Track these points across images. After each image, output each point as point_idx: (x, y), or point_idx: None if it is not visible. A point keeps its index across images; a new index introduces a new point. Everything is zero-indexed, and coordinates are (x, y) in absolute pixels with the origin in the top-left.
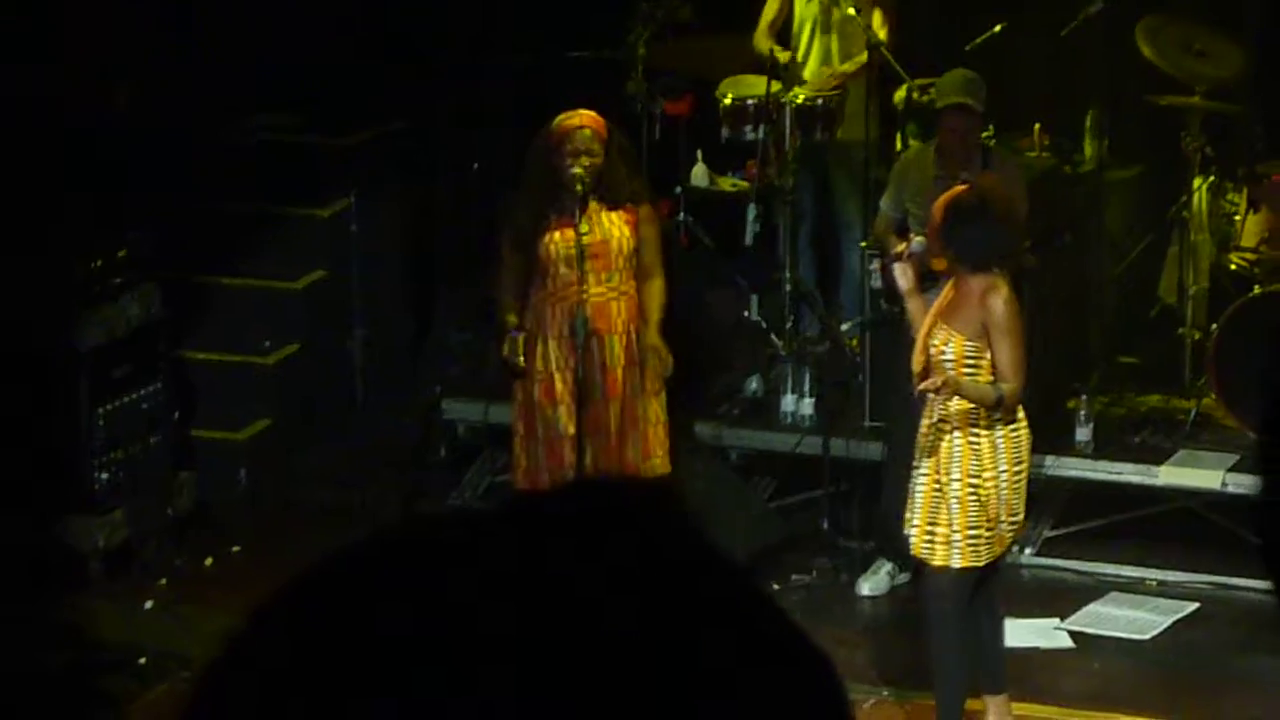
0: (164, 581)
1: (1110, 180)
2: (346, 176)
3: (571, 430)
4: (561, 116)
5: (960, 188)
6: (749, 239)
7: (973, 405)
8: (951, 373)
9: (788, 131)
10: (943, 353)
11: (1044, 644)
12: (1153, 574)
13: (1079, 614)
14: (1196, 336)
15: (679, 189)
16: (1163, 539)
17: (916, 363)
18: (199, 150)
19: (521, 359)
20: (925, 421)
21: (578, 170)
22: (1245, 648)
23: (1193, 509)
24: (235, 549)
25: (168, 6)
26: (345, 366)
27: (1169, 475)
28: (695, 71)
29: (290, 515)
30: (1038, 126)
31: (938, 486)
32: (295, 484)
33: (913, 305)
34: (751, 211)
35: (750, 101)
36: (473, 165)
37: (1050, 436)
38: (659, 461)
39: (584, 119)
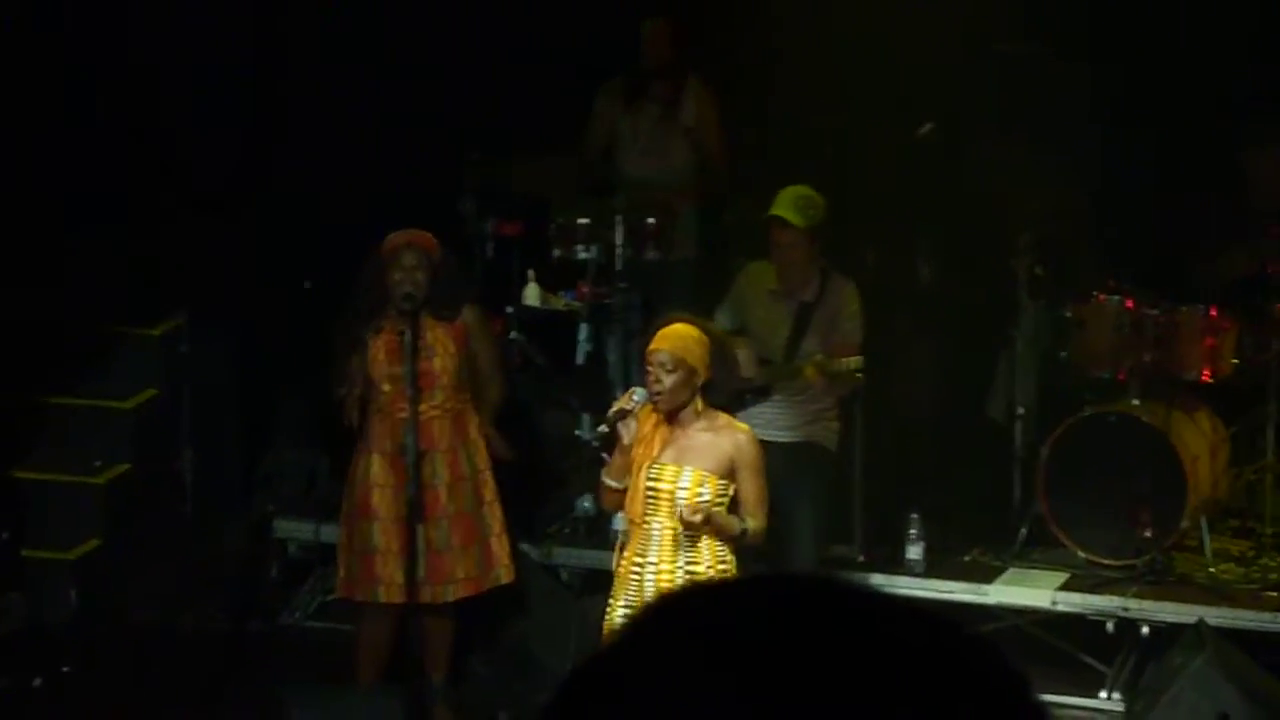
0: None
1: (941, 300)
2: (178, 295)
3: (384, 545)
4: (391, 235)
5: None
6: (580, 358)
7: (720, 545)
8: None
9: (618, 250)
10: (698, 493)
11: None
12: None
13: None
14: (1026, 455)
15: (511, 308)
16: None
17: (636, 506)
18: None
19: (355, 414)
20: (650, 560)
21: (407, 288)
22: None
23: (1023, 627)
24: (65, 669)
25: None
26: (176, 485)
27: (999, 594)
28: (528, 190)
29: (121, 635)
30: (870, 246)
31: None
32: (126, 604)
33: (622, 460)
34: (582, 331)
35: (581, 221)
36: (304, 283)
37: (882, 555)
38: (504, 572)
39: (412, 237)
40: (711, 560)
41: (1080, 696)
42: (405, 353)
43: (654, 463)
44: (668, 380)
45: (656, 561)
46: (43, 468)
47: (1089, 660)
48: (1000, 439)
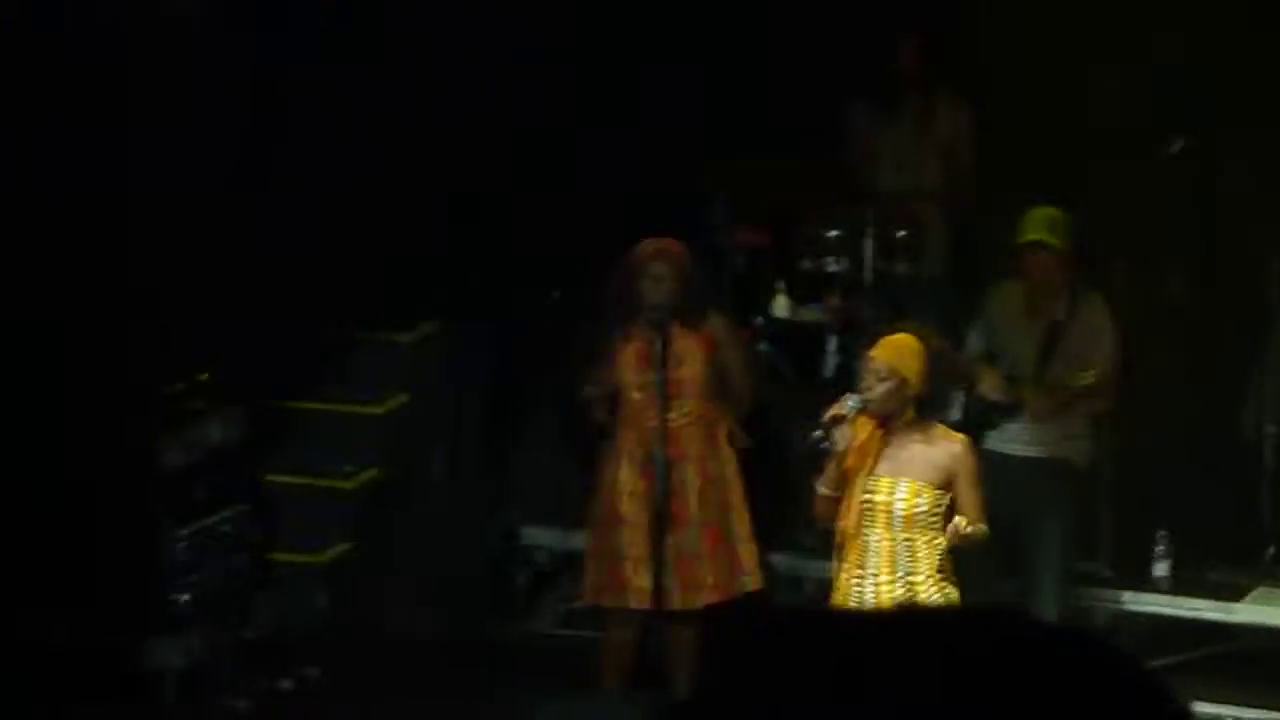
0: (243, 704)
1: (1193, 314)
2: (429, 302)
3: (634, 552)
4: (643, 243)
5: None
6: (829, 371)
7: (938, 554)
8: (961, 522)
9: (868, 263)
10: (915, 504)
11: None
12: (1230, 711)
13: None
14: (1277, 472)
15: (760, 319)
16: (1240, 677)
17: (853, 515)
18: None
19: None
20: (870, 571)
21: (656, 297)
22: None
23: (1271, 647)
24: (313, 672)
25: None
26: (426, 491)
27: (1247, 612)
28: (779, 198)
29: (369, 640)
30: (1123, 260)
31: None
32: (374, 608)
33: (837, 467)
34: (831, 343)
35: (832, 233)
36: (553, 293)
37: (1128, 571)
38: (750, 579)
39: (663, 246)
40: (930, 570)
41: None
42: (655, 361)
43: (869, 475)
44: (879, 388)
45: (876, 573)
46: (294, 472)
47: None
48: (1251, 456)
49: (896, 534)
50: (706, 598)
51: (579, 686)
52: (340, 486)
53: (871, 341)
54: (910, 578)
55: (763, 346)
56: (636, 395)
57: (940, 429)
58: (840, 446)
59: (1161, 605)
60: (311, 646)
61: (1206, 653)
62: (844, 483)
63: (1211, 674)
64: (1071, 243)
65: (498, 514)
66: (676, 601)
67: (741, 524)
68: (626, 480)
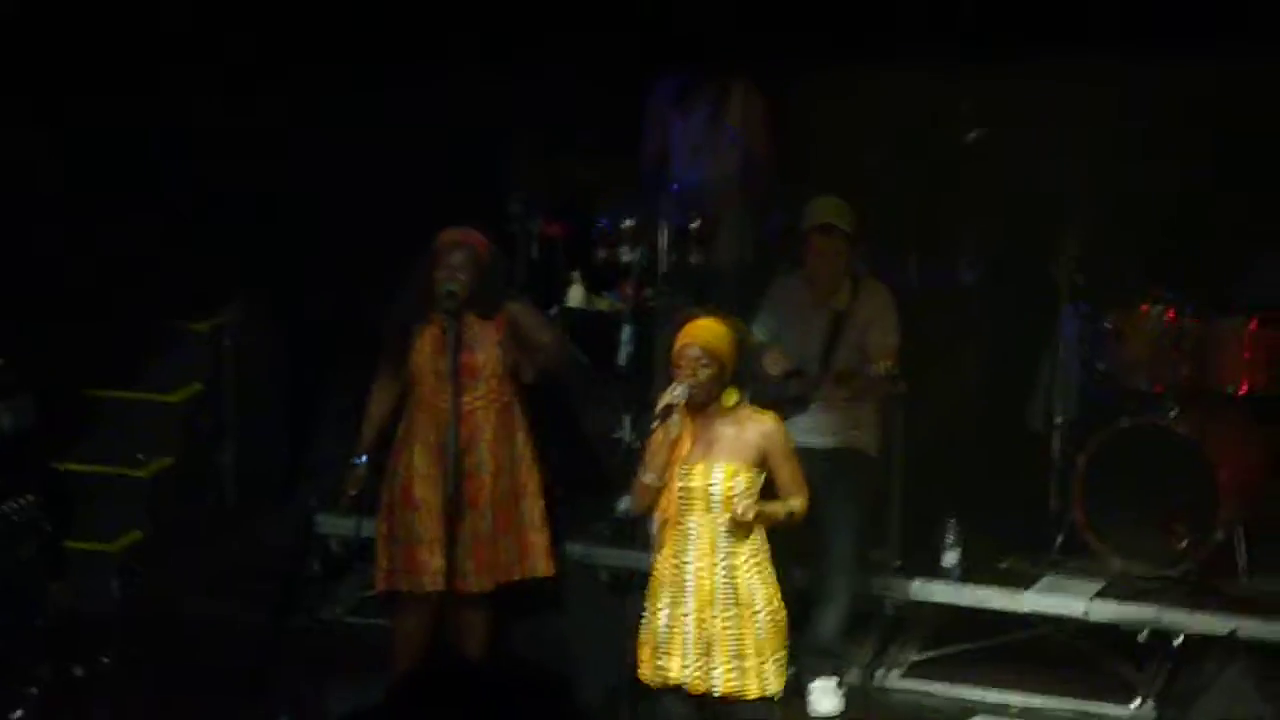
0: (34, 690)
1: (983, 306)
2: (223, 291)
3: (429, 535)
4: (444, 232)
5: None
6: (623, 359)
7: (757, 538)
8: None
9: (663, 253)
10: (730, 487)
11: None
12: (1017, 699)
13: None
14: (1064, 464)
15: (555, 308)
16: (1027, 664)
17: (671, 507)
18: (75, 262)
19: (353, 490)
20: (689, 558)
21: (450, 286)
22: None
23: (1057, 635)
24: (105, 659)
25: None
26: (219, 479)
27: (1034, 601)
28: (575, 191)
29: (161, 626)
30: (913, 251)
31: (729, 619)
32: (167, 596)
33: (666, 456)
34: (626, 332)
35: (627, 223)
36: (352, 280)
37: (917, 560)
38: (541, 564)
39: (463, 236)
40: (749, 554)
41: (1113, 704)
42: (449, 348)
43: (683, 462)
44: (703, 373)
45: (696, 558)
46: (87, 460)
47: (1122, 669)
48: (1039, 447)
49: (715, 518)
50: (495, 578)
51: (373, 674)
52: (133, 475)
53: (675, 329)
54: (730, 561)
55: None
56: (431, 380)
57: (748, 409)
58: (674, 434)
59: (951, 594)
60: (104, 634)
61: (995, 641)
62: (669, 469)
63: (1000, 662)
64: (854, 233)
65: (291, 501)
66: (471, 585)
67: (534, 510)
68: (420, 465)
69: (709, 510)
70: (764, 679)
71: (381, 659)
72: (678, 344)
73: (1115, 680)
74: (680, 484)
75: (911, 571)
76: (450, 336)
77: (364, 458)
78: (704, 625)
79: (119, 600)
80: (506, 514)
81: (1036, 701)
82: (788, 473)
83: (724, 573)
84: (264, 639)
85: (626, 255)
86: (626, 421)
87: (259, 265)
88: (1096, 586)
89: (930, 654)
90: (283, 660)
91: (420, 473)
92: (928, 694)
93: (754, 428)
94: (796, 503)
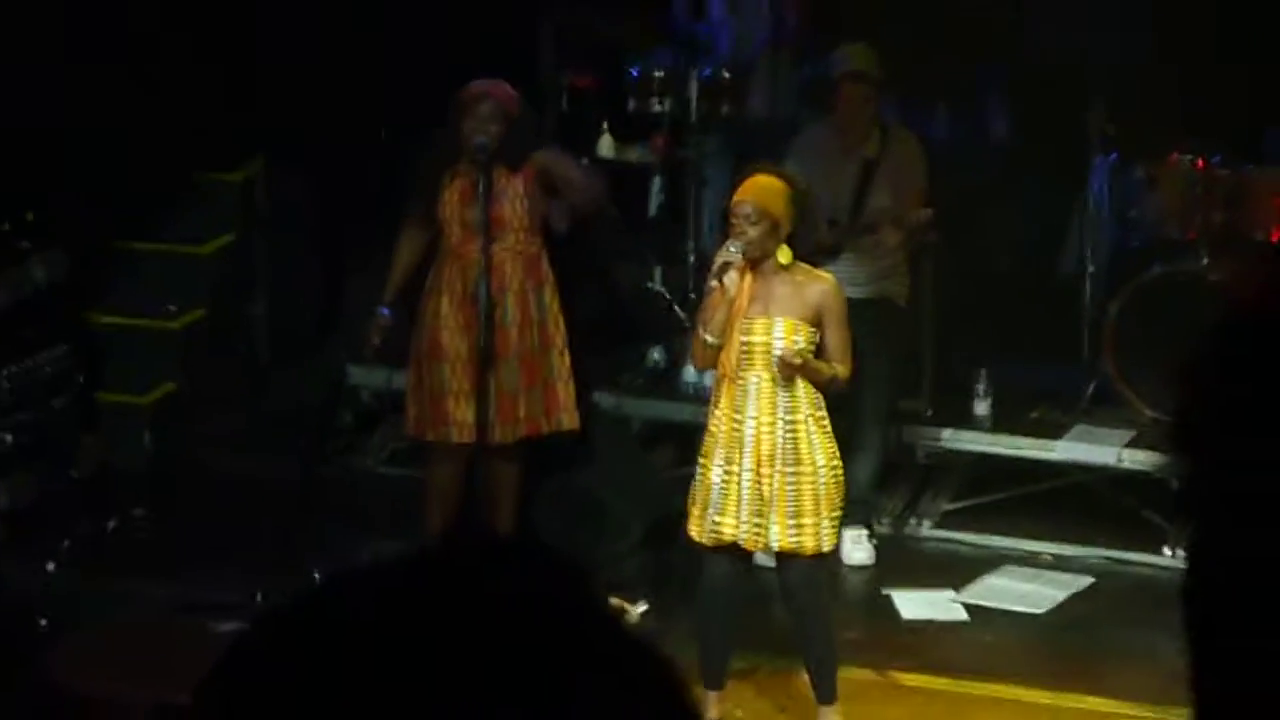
0: (67, 543)
1: (1014, 156)
2: (255, 141)
3: (457, 386)
4: (471, 84)
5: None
6: (653, 210)
7: (814, 392)
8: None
9: (693, 104)
10: (794, 341)
11: (939, 616)
12: (1048, 548)
13: (974, 586)
14: (1095, 312)
15: (585, 160)
16: (1059, 513)
17: (731, 358)
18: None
19: (377, 339)
20: (749, 414)
21: (480, 138)
22: (1138, 623)
23: (1088, 484)
24: (138, 512)
25: None
26: (251, 332)
27: (1066, 450)
28: (606, 41)
29: (194, 479)
30: (942, 103)
31: (789, 475)
32: (199, 448)
33: (725, 314)
34: (656, 183)
35: (657, 74)
36: (380, 132)
37: (949, 409)
38: (567, 417)
39: (490, 88)
40: (809, 408)
41: (1145, 553)
42: (479, 199)
43: (744, 317)
44: (753, 231)
45: (756, 415)
46: (119, 312)
47: (1154, 517)
48: (1071, 296)
49: (776, 374)
50: (520, 430)
51: (406, 525)
52: (165, 327)
53: (733, 186)
54: (791, 417)
55: None
56: (458, 230)
57: (805, 268)
58: (732, 293)
59: (982, 443)
60: (137, 487)
61: (1026, 490)
62: (728, 328)
63: (1031, 511)
64: (881, 81)
65: (323, 354)
66: (497, 435)
67: (561, 362)
68: (448, 315)
69: (770, 366)
70: (820, 536)
71: (414, 510)
72: (733, 201)
73: (1147, 529)
74: (742, 338)
75: (943, 421)
76: (481, 189)
77: (387, 309)
78: (761, 482)
79: (151, 453)
80: (533, 367)
81: (1068, 550)
82: (838, 339)
83: (785, 428)
84: (296, 491)
85: (657, 106)
86: (657, 273)
87: (291, 116)
88: (1128, 435)
89: (962, 504)
90: (315, 512)
91: (448, 323)
92: (959, 543)
93: (813, 287)
94: (841, 369)
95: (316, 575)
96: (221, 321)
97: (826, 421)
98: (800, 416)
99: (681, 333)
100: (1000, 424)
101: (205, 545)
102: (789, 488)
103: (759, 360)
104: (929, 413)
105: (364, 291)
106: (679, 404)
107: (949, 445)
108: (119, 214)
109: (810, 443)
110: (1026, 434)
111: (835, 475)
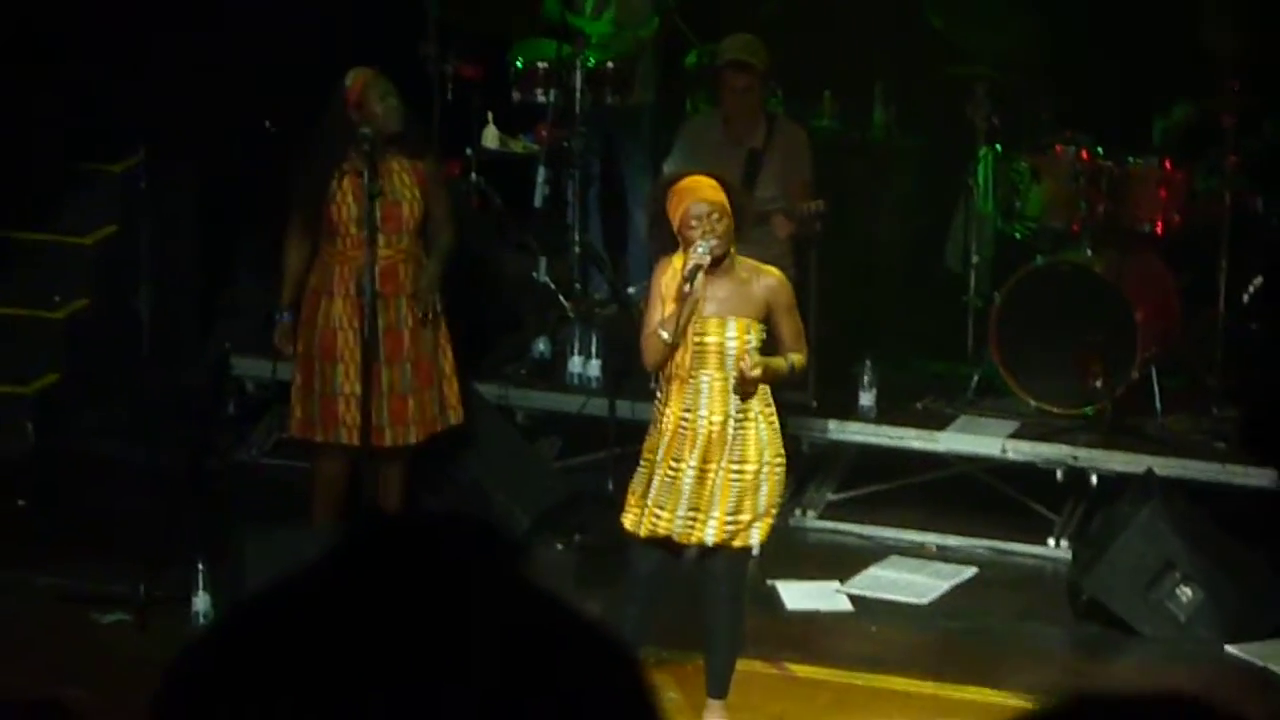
0: None
1: (898, 149)
2: (138, 132)
3: (348, 389)
4: (354, 71)
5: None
6: (538, 201)
7: (764, 391)
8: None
9: (578, 94)
10: (746, 340)
11: (823, 607)
12: (933, 539)
13: (859, 577)
14: (980, 304)
15: (470, 150)
16: (943, 504)
17: (685, 358)
18: None
19: (289, 347)
20: (701, 412)
21: (368, 129)
22: (1022, 613)
23: (973, 475)
24: (20, 502)
25: None
26: (134, 322)
27: (950, 441)
28: (490, 32)
29: (76, 469)
30: (827, 94)
31: (735, 472)
32: (82, 438)
33: (688, 315)
34: (541, 174)
35: (541, 65)
36: (265, 122)
37: (834, 401)
38: (453, 413)
39: (372, 74)
40: (760, 404)
41: (1029, 544)
42: (364, 193)
43: (697, 318)
44: (720, 228)
45: (708, 413)
46: (1, 302)
47: (1038, 508)
48: (955, 287)
49: (729, 373)
50: (416, 434)
51: (289, 516)
52: (48, 317)
53: (658, 198)
54: (740, 415)
55: (474, 177)
56: (353, 231)
57: (750, 263)
58: (700, 295)
59: (867, 434)
60: (19, 476)
61: (912, 481)
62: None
63: (916, 502)
64: (766, 70)
65: (207, 344)
66: (389, 438)
67: (446, 359)
68: (340, 317)
69: (723, 365)
70: (753, 532)
71: (299, 500)
72: (680, 207)
73: (1031, 519)
74: (695, 339)
75: (828, 412)
76: (366, 178)
77: (288, 315)
78: (706, 477)
79: (34, 443)
80: (425, 369)
81: (953, 541)
82: (790, 328)
83: (735, 425)
84: (180, 481)
85: (541, 97)
86: (542, 263)
87: (174, 106)
88: (1013, 426)
89: (846, 494)
90: (199, 503)
91: (341, 325)
92: (844, 534)
93: (760, 282)
94: (797, 358)
95: (200, 566)
96: (105, 311)
97: (775, 417)
98: (751, 414)
99: (566, 323)
100: (885, 415)
101: (88, 535)
102: (733, 483)
103: (712, 360)
104: (814, 404)
105: (246, 282)
106: (564, 395)
107: (834, 436)
108: (1, 205)
109: (759, 439)
110: (911, 425)
111: (779, 471)
